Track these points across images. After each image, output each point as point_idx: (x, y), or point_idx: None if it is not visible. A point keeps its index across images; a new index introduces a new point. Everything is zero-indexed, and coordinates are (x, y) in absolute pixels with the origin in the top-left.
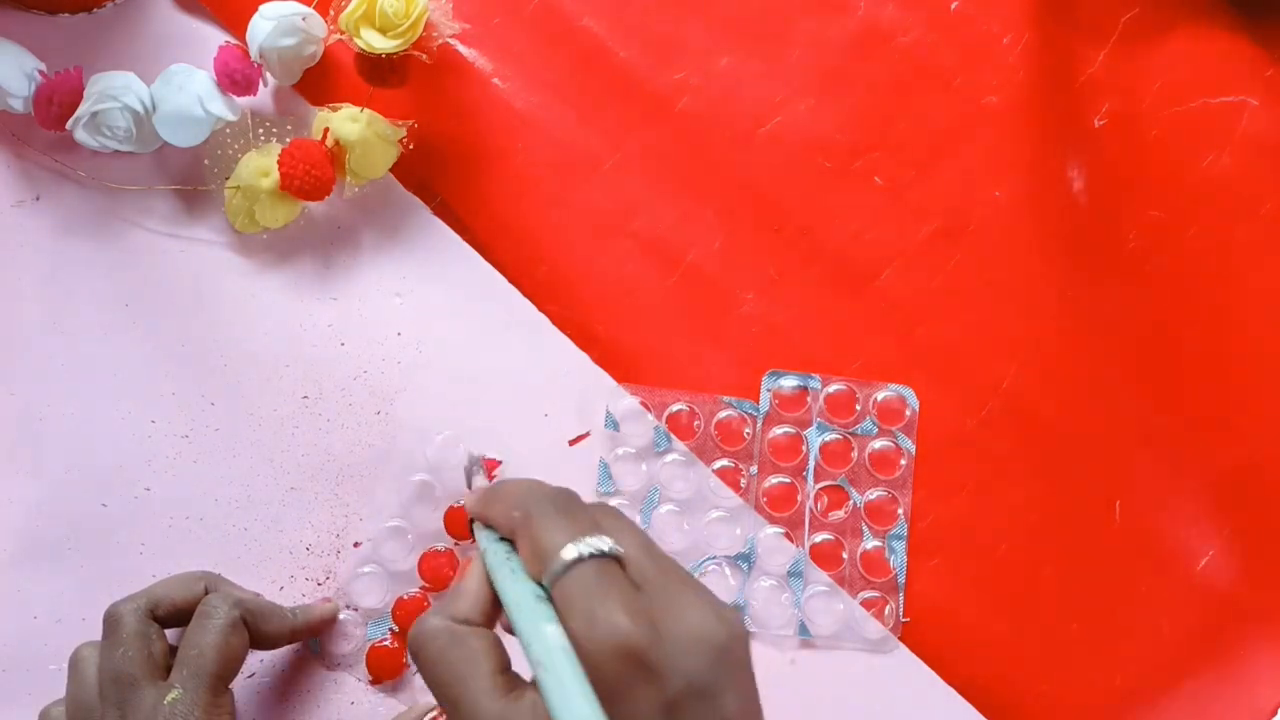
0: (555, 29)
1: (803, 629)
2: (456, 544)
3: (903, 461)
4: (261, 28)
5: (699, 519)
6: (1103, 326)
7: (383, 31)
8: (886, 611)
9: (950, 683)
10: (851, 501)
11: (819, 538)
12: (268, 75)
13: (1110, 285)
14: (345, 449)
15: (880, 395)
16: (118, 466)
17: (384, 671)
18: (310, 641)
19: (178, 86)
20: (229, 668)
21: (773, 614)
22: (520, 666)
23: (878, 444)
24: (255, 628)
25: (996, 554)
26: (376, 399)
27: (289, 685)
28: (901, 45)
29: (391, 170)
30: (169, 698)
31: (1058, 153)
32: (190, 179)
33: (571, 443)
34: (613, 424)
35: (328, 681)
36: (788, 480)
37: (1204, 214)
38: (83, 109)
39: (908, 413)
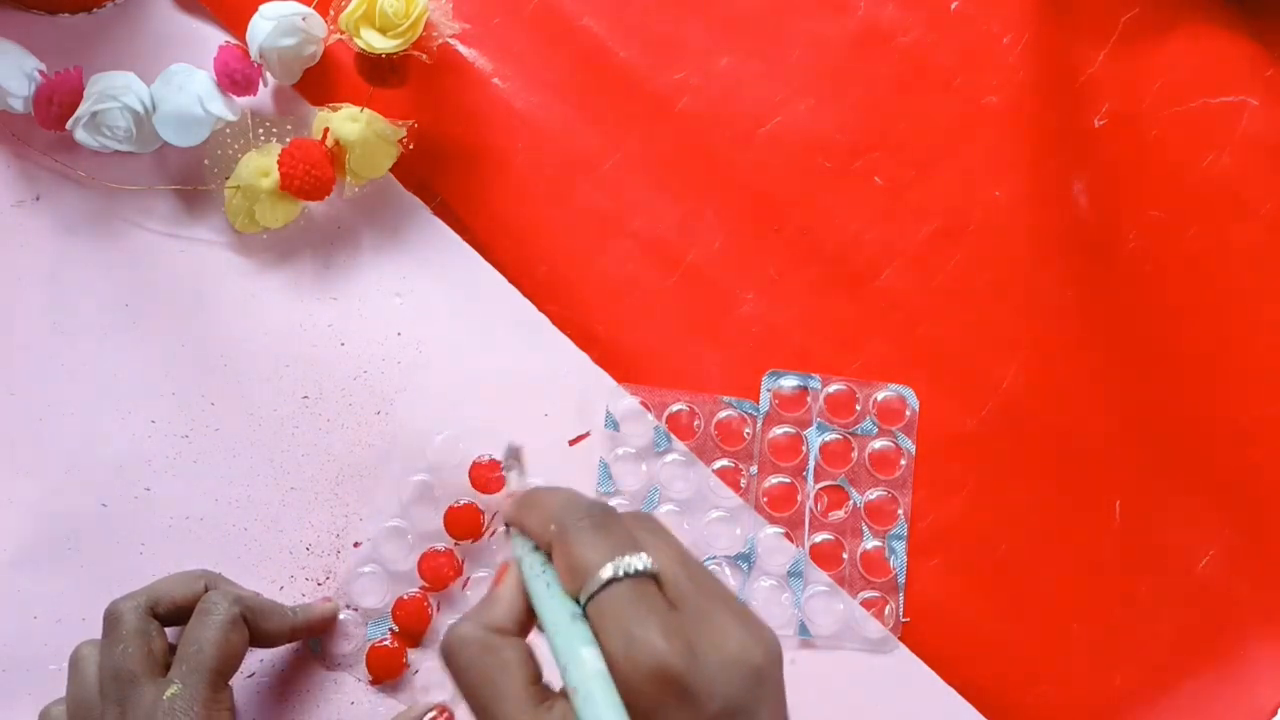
0: (555, 29)
1: (803, 629)
2: (456, 544)
3: (903, 461)
4: (261, 28)
5: (699, 519)
6: (1102, 326)
7: (383, 31)
8: (886, 611)
9: (950, 683)
10: (851, 501)
11: (819, 538)
12: (268, 75)
13: (1110, 285)
14: (345, 449)
15: (880, 395)
16: (118, 466)
17: (384, 671)
18: (310, 641)
19: (178, 86)
20: (229, 664)
21: (773, 614)
22: (550, 673)
23: (878, 444)
24: (255, 625)
25: (996, 554)
26: (376, 399)
27: (289, 685)
28: (901, 45)
29: (391, 170)
30: (168, 693)
31: (1058, 152)
32: (190, 179)
33: (571, 443)
34: (613, 424)
35: (328, 681)
36: (788, 480)
37: (1204, 214)
38: (83, 109)
39: (908, 413)
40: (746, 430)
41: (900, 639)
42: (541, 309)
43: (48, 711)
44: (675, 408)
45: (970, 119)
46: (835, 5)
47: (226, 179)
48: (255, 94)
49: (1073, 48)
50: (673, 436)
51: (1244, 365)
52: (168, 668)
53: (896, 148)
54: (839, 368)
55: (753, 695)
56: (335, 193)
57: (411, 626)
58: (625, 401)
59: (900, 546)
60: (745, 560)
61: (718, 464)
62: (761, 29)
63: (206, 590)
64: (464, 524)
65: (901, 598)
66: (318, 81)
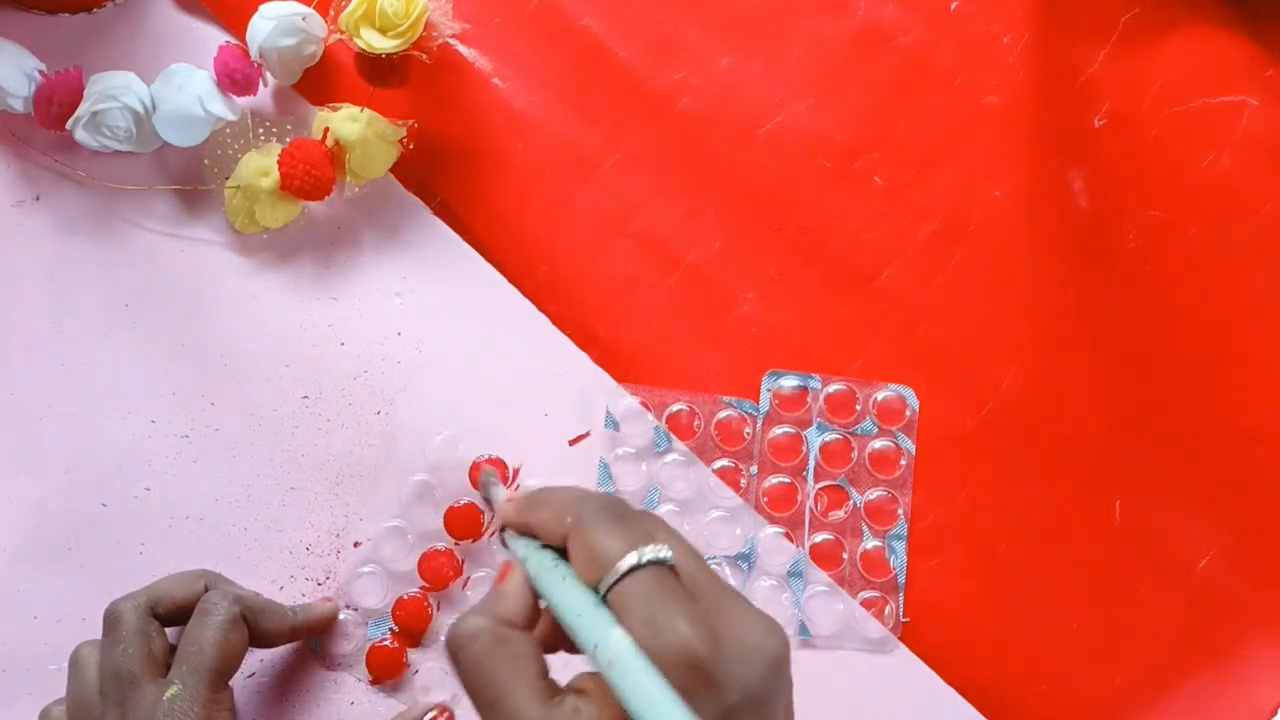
0: (555, 29)
1: (803, 629)
2: (456, 543)
3: (903, 461)
4: (261, 28)
5: (699, 519)
6: (1102, 326)
7: (383, 31)
8: (886, 611)
9: (950, 683)
10: (851, 501)
11: (819, 538)
12: (268, 75)
13: (1110, 285)
14: (345, 449)
15: (880, 395)
16: (118, 466)
17: (384, 671)
18: (310, 641)
19: (178, 86)
20: (229, 664)
21: (773, 614)
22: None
23: (878, 444)
24: (255, 625)
25: (996, 554)
26: (376, 399)
27: (289, 685)
28: (901, 45)
29: (391, 170)
30: (168, 694)
31: (1058, 153)
32: (190, 179)
33: (571, 443)
34: (613, 424)
35: (327, 681)
36: (788, 480)
37: (1204, 214)
38: (83, 109)
39: (908, 413)
40: (746, 430)
41: (900, 639)
42: (541, 309)
43: (48, 712)
44: (675, 408)
45: (970, 119)
46: (835, 5)
47: (226, 179)
48: (255, 94)
49: (1073, 48)
50: (673, 436)
51: (1244, 365)
52: (168, 668)
53: (896, 148)
54: (839, 368)
55: (771, 684)
56: (335, 193)
57: (411, 626)
58: (625, 401)
59: (900, 546)
60: (745, 560)
61: (718, 464)
62: (761, 29)
63: (206, 590)
64: (464, 524)
65: (901, 598)
66: (318, 81)
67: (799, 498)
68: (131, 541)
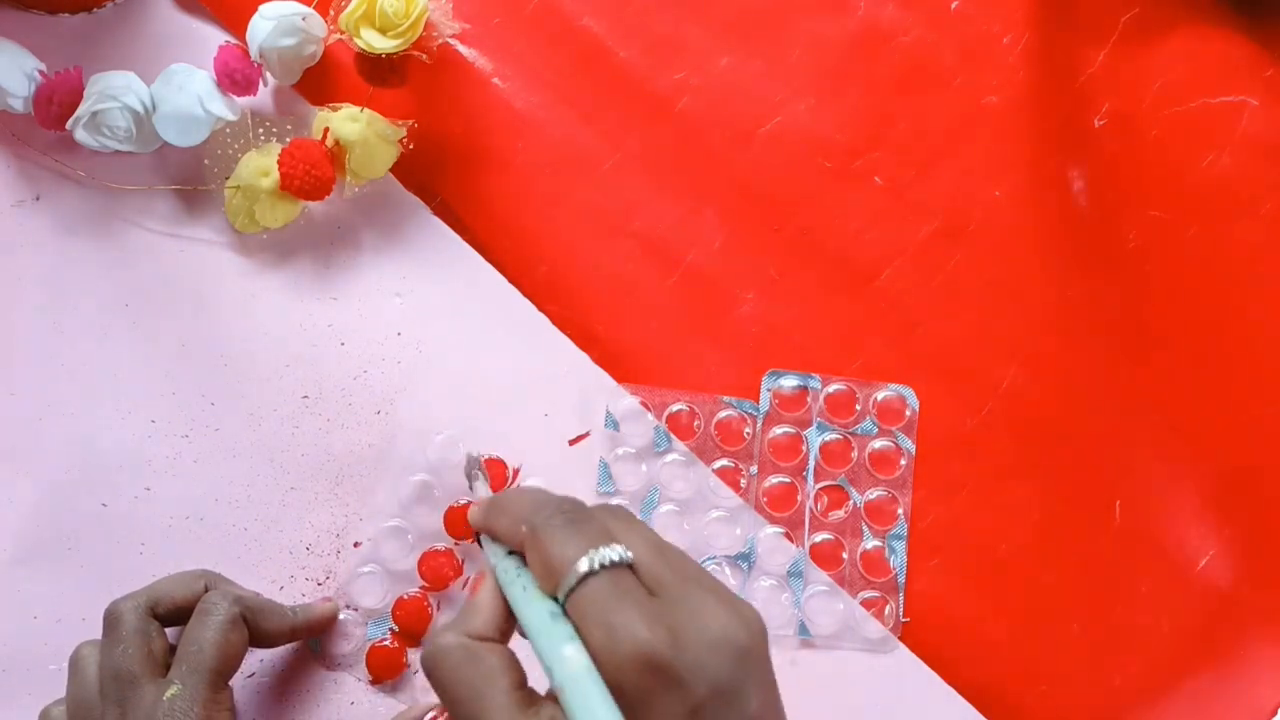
0: (555, 29)
1: (803, 629)
2: (456, 543)
3: (903, 461)
4: (261, 28)
5: (699, 519)
6: (1103, 326)
7: (383, 31)
8: (886, 611)
9: (950, 683)
10: (851, 501)
11: (819, 538)
12: (268, 75)
13: (1110, 285)
14: (345, 449)
15: (880, 395)
16: (118, 466)
17: (384, 671)
18: (310, 641)
19: (178, 86)
20: (228, 664)
21: (773, 614)
22: (535, 679)
23: (878, 444)
24: (255, 625)
25: (996, 554)
26: (376, 399)
27: (289, 685)
28: (901, 45)
29: (391, 170)
30: (168, 694)
31: (1058, 153)
32: (190, 179)
33: (571, 443)
34: (613, 424)
35: (328, 681)
36: (788, 480)
37: (1204, 214)
38: (83, 109)
39: (908, 413)
40: (746, 430)
41: (900, 639)
42: (541, 309)
43: (48, 712)
44: (675, 408)
45: (970, 119)
46: (835, 5)
47: (226, 179)
48: (255, 94)
49: (1073, 48)
50: (673, 436)
51: (1244, 365)
52: (168, 668)
53: (896, 148)
54: (839, 368)
55: (740, 674)
56: (335, 193)
57: (411, 626)
58: (625, 401)
59: (900, 546)
60: (745, 560)
61: (718, 464)
62: (761, 29)
63: (206, 590)
64: (464, 524)
65: (901, 598)
66: (318, 81)
67: (799, 498)
68: (131, 541)
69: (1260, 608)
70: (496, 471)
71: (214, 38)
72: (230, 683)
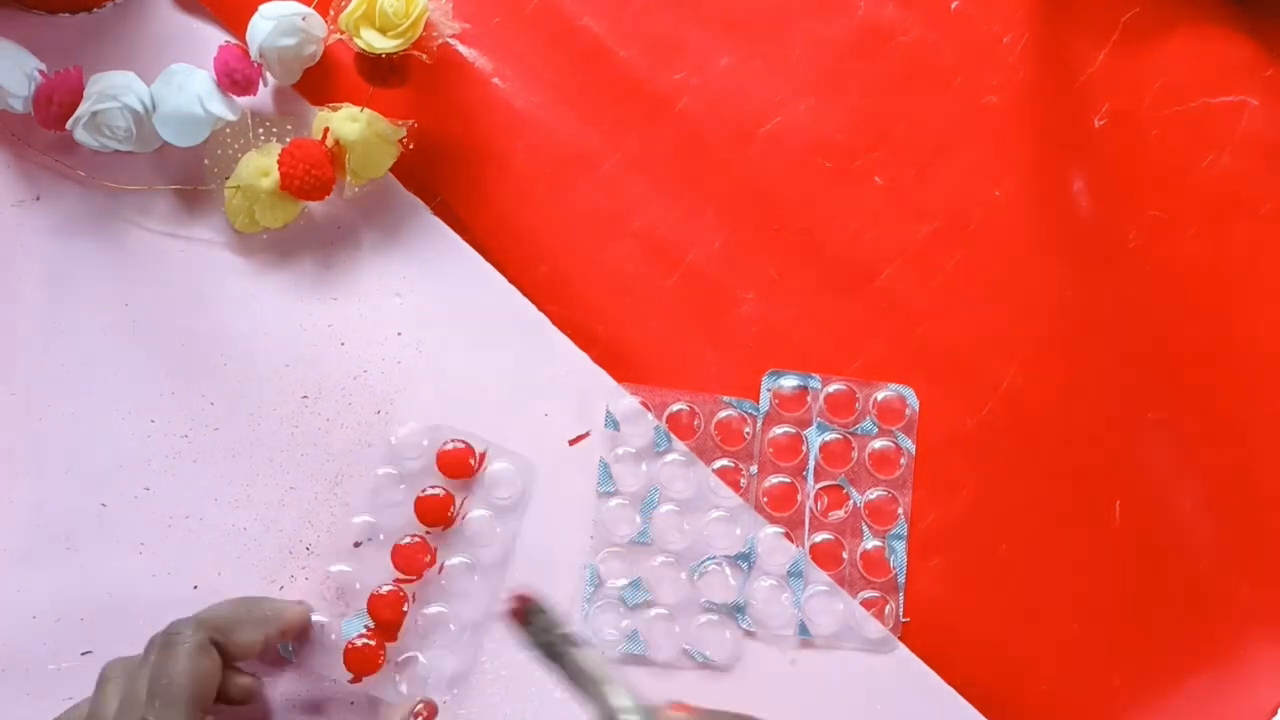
0: (555, 29)
1: (803, 629)
2: (428, 531)
3: (903, 461)
4: (261, 27)
5: (699, 519)
6: (1103, 326)
7: (383, 31)
8: (886, 611)
9: (950, 683)
10: (851, 501)
11: (819, 538)
12: (268, 75)
13: (1110, 285)
14: (345, 449)
15: (880, 395)
16: (117, 466)
17: (362, 668)
18: (281, 646)
19: (178, 86)
20: (203, 693)
21: (773, 614)
22: None
23: (878, 444)
24: (226, 645)
25: (996, 554)
26: (376, 399)
27: (289, 685)
28: (901, 45)
29: (391, 170)
30: None
31: (1058, 152)
32: (190, 179)
33: (571, 443)
34: (613, 424)
35: (325, 682)
36: (788, 480)
37: (1204, 214)
38: (83, 109)
39: (908, 413)
40: (746, 430)
41: (900, 639)
42: (541, 309)
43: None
44: (675, 408)
45: (970, 119)
46: (835, 5)
47: (226, 179)
48: (255, 94)
49: (1073, 48)
50: (673, 436)
51: (1244, 365)
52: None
53: (896, 148)
54: (839, 368)
55: None
56: (335, 193)
57: (387, 619)
58: (625, 401)
59: (900, 546)
60: (745, 560)
61: (718, 464)
62: (761, 29)
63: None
64: (434, 512)
65: (901, 598)
66: (318, 81)
67: (799, 498)
68: (131, 541)
69: (1260, 608)
70: (462, 458)
71: (214, 38)
72: (206, 712)
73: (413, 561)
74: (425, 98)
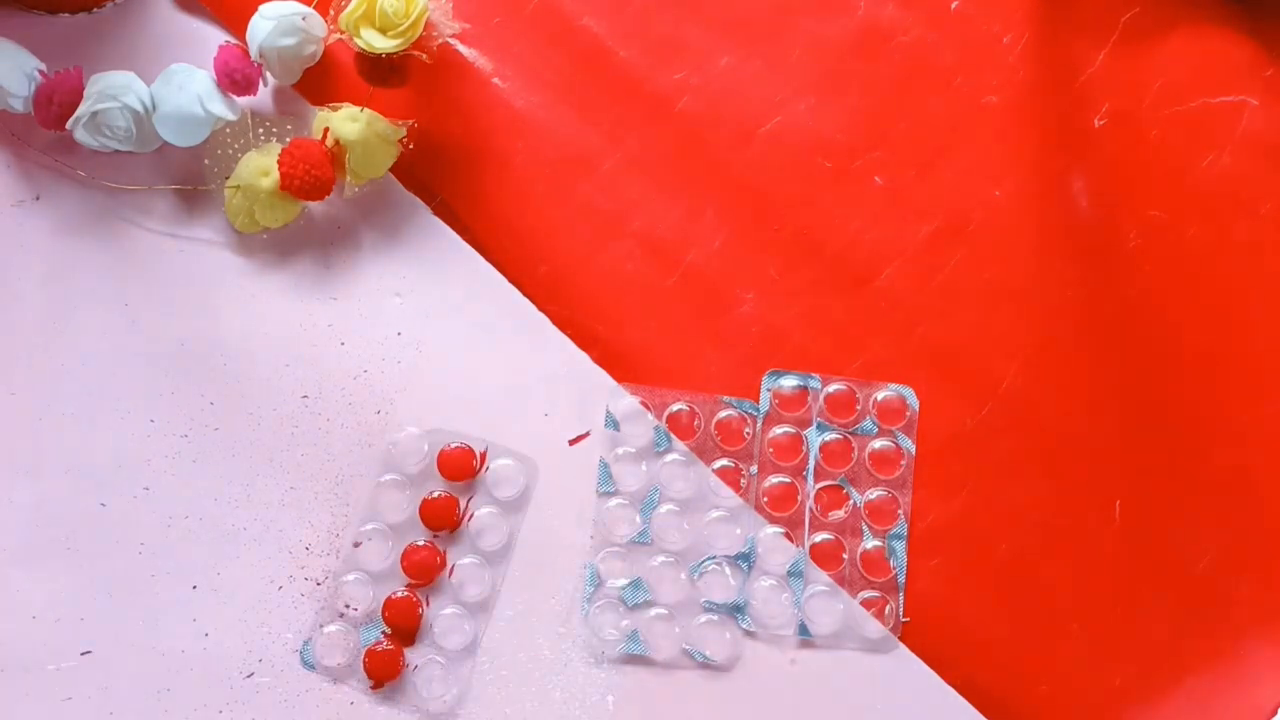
0: (555, 29)
1: (803, 629)
2: (435, 535)
3: (903, 461)
4: (261, 27)
5: (699, 519)
6: (1102, 326)
7: (383, 31)
8: (886, 611)
9: (950, 683)
10: (851, 501)
11: (819, 537)
12: (268, 75)
13: (1110, 285)
14: (345, 449)
15: (880, 395)
16: (117, 466)
17: (383, 674)
18: (303, 652)
19: (178, 86)
20: None
21: (773, 614)
22: None
23: (878, 444)
24: None
25: (996, 554)
26: (376, 399)
27: (288, 685)
28: (901, 45)
29: (391, 170)
30: None
31: (1058, 152)
32: (190, 179)
33: (571, 443)
34: (613, 424)
35: (326, 682)
36: (788, 480)
37: (1204, 214)
38: (83, 109)
39: (908, 413)
40: (746, 430)
41: (900, 639)
42: (541, 309)
43: None
44: (675, 408)
45: (970, 119)
46: (835, 5)
47: (226, 179)
48: (255, 94)
49: (1073, 48)
50: (673, 436)
51: (1244, 365)
52: None
53: (896, 148)
54: (839, 368)
55: None
56: (335, 193)
57: (403, 624)
58: (625, 401)
59: (900, 546)
60: (745, 560)
61: (718, 464)
62: (761, 29)
63: None
64: (440, 515)
65: (901, 598)
66: (318, 81)
67: (799, 497)
68: (131, 541)
69: (1260, 608)
70: (464, 459)
71: (214, 38)
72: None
73: (424, 567)
74: (425, 98)
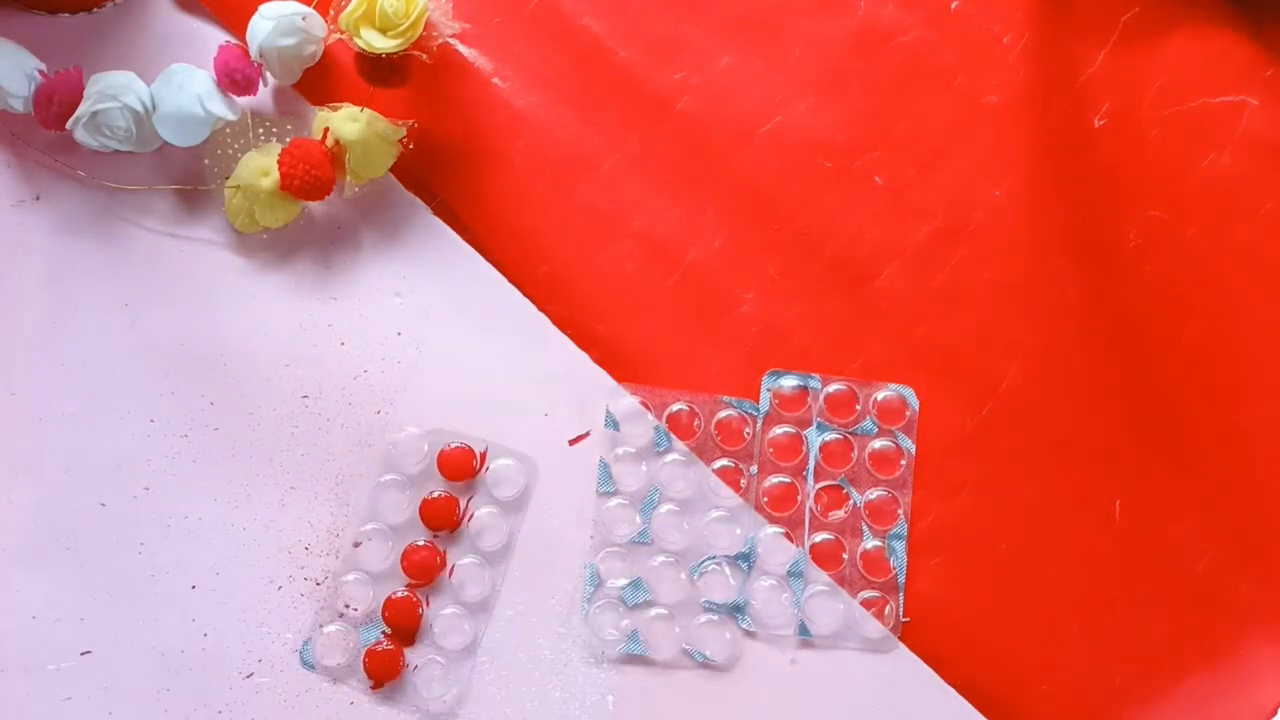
0: (555, 29)
1: (803, 629)
2: (435, 535)
3: (903, 461)
4: (261, 27)
5: (699, 519)
6: (1102, 326)
7: (383, 31)
8: (886, 611)
9: (950, 683)
10: (851, 501)
11: (819, 537)
12: (268, 75)
13: (1110, 285)
14: (345, 449)
15: (880, 395)
16: (117, 466)
17: (383, 674)
18: (303, 653)
19: (178, 86)
20: None
21: (773, 614)
22: None
23: (878, 444)
24: None
25: (996, 554)
26: (376, 399)
27: (288, 685)
28: (901, 45)
29: (391, 170)
30: None
31: (1058, 152)
32: (190, 179)
33: (571, 443)
34: (613, 424)
35: (325, 682)
36: (788, 480)
37: (1204, 214)
38: (83, 109)
39: (908, 413)
40: (746, 430)
41: (900, 639)
42: (541, 309)
43: None
44: (675, 408)
45: (970, 119)
46: (835, 5)
47: (226, 179)
48: (255, 94)
49: (1073, 48)
50: (673, 436)
51: (1244, 365)
52: None
53: (896, 148)
54: (839, 368)
55: None
56: (335, 193)
57: (403, 625)
58: (625, 401)
59: (900, 546)
60: (745, 560)
61: (718, 464)
62: (761, 29)
63: None
64: (440, 515)
65: (901, 598)
66: (318, 81)
67: (799, 497)
68: (130, 541)
69: (1260, 608)
70: (464, 459)
71: (214, 38)
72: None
73: (424, 567)
74: (425, 98)
